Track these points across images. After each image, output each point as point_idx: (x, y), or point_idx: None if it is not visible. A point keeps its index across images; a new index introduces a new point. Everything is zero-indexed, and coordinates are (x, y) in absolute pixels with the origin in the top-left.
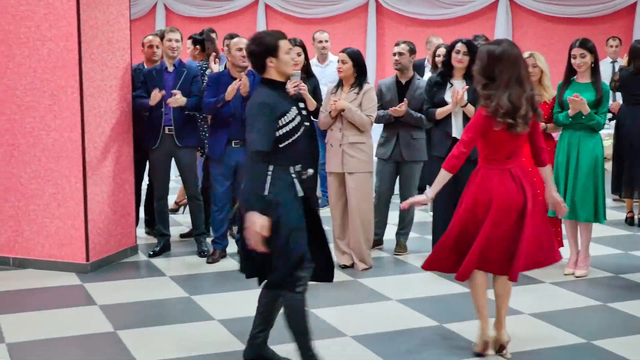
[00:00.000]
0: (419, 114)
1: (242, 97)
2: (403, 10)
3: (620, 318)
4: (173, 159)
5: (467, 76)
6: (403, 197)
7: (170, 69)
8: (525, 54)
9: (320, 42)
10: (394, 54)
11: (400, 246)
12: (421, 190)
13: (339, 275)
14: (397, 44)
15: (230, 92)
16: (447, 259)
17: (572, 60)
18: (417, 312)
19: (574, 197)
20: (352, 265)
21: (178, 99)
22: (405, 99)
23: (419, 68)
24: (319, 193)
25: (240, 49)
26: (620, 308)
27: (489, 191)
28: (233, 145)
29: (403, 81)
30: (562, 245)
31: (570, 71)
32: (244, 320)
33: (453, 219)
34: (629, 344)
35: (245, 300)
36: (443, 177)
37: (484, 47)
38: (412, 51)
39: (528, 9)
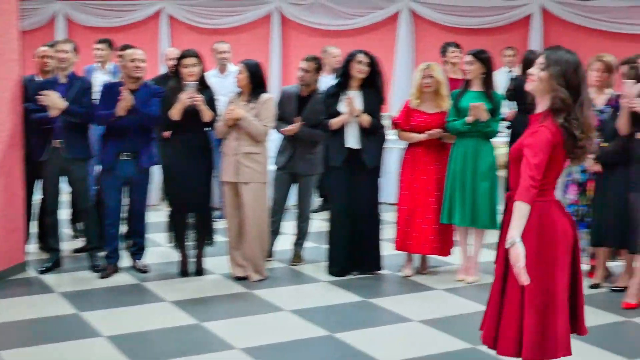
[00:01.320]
0: (316, 130)
1: (132, 110)
2: (306, 21)
3: None
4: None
5: (364, 87)
6: (299, 208)
7: (63, 80)
8: (422, 65)
9: (220, 52)
10: (300, 69)
11: (297, 256)
12: (323, 197)
13: (232, 287)
14: (305, 59)
15: (119, 108)
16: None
17: (464, 67)
18: (309, 323)
19: (473, 204)
20: (247, 277)
21: (53, 99)
22: (300, 116)
23: None
24: (217, 204)
25: (134, 60)
26: None
27: (563, 231)
28: (124, 157)
29: (304, 94)
30: (452, 247)
31: (468, 80)
32: (133, 336)
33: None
34: None
35: (137, 316)
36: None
37: (558, 51)
38: (318, 69)
39: (429, 20)
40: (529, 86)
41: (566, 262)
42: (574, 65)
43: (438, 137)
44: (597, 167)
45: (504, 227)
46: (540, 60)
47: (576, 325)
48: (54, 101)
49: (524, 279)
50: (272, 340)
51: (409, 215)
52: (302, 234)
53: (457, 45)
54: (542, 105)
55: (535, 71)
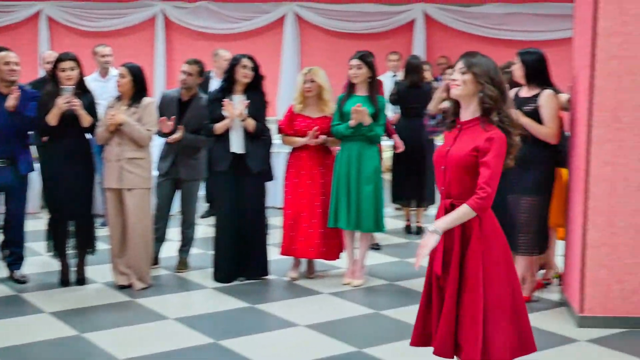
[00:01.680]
0: (198, 135)
1: (8, 113)
2: (191, 24)
3: (391, 325)
4: None
5: (248, 91)
6: (183, 214)
7: None
8: (304, 70)
9: (103, 56)
10: (182, 72)
11: (183, 263)
12: (210, 203)
13: (115, 296)
14: (187, 62)
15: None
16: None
17: (349, 72)
18: (194, 331)
19: (358, 208)
20: (130, 285)
21: None
22: (181, 120)
23: (205, 81)
24: (100, 211)
25: (8, 63)
26: (392, 315)
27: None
28: (0, 164)
29: (185, 99)
30: (342, 251)
31: (351, 84)
32: (11, 350)
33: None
34: (397, 350)
35: (14, 329)
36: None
37: (475, 55)
38: (201, 72)
39: (314, 24)
40: (454, 92)
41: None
42: (493, 65)
43: (321, 142)
44: None
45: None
46: (460, 65)
47: None
48: None
49: (418, 264)
50: (156, 349)
51: (294, 219)
52: (187, 241)
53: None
54: (469, 111)
55: (457, 76)
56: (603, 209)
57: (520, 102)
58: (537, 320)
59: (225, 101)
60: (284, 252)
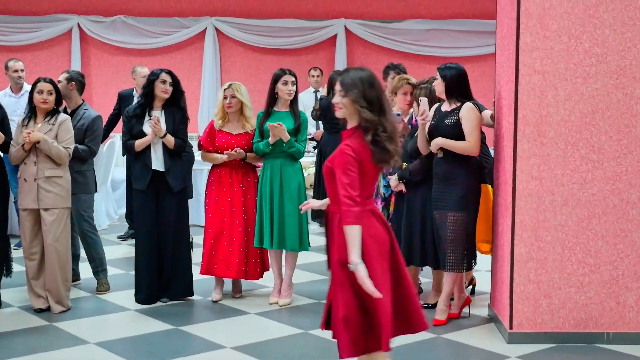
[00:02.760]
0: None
1: None
2: (108, 39)
3: (319, 344)
4: None
5: (167, 107)
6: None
7: None
8: (225, 85)
9: (16, 71)
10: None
11: (102, 284)
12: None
13: (32, 320)
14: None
15: None
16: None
17: (283, 87)
18: (115, 355)
19: (281, 226)
20: (48, 309)
21: None
22: None
23: (127, 98)
24: (17, 231)
25: None
26: (320, 334)
27: (377, 238)
28: None
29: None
30: (266, 270)
31: (271, 101)
32: None
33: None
34: None
35: None
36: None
37: (349, 73)
38: (71, 79)
39: (235, 39)
40: (338, 114)
41: (385, 267)
42: (369, 81)
43: (241, 158)
44: (401, 187)
45: (328, 237)
46: (338, 87)
47: (411, 323)
48: None
49: (377, 295)
50: None
51: (215, 238)
52: (97, 260)
53: (397, 68)
54: (351, 122)
55: (338, 99)
56: (530, 224)
57: (441, 116)
58: (467, 336)
59: (154, 117)
60: (204, 272)
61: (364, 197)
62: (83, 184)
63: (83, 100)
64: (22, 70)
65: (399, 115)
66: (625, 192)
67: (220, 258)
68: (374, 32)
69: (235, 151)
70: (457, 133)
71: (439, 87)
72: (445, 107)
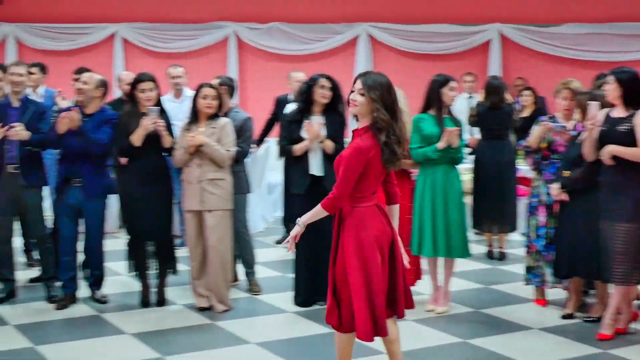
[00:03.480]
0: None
1: (75, 133)
2: (264, 45)
3: (481, 354)
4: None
5: (326, 112)
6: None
7: (16, 104)
8: None
9: (174, 77)
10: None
11: (254, 284)
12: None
13: (196, 319)
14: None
15: (58, 124)
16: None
17: (450, 93)
18: (276, 356)
19: (448, 233)
20: (211, 308)
21: (19, 131)
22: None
23: (283, 102)
24: (178, 232)
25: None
26: (481, 344)
27: (377, 232)
28: (74, 184)
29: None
30: (420, 279)
31: (428, 106)
32: None
33: (355, 273)
34: None
35: (95, 349)
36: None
37: (372, 75)
38: (222, 84)
39: (387, 45)
40: (352, 110)
41: (384, 257)
42: (388, 87)
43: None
44: (564, 196)
45: (335, 234)
46: (358, 86)
47: (396, 309)
48: (19, 134)
49: (290, 249)
50: None
51: None
52: (248, 261)
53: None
54: (362, 121)
55: (357, 97)
56: None
57: (612, 123)
58: (636, 353)
59: (307, 122)
60: None
61: (370, 193)
62: (236, 184)
63: (234, 104)
64: (179, 77)
65: (563, 127)
66: None
67: None
68: (530, 37)
69: None
70: (630, 141)
71: (614, 92)
72: (617, 113)
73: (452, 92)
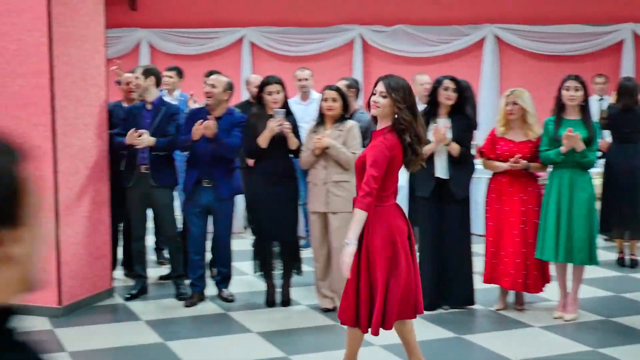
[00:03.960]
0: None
1: (208, 138)
2: (389, 48)
3: None
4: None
5: (452, 114)
6: None
7: (149, 107)
8: (507, 92)
9: (300, 80)
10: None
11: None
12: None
13: (320, 319)
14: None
15: (194, 132)
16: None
17: (565, 93)
18: (400, 358)
19: (571, 238)
20: (335, 309)
21: (143, 140)
22: None
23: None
24: (302, 233)
25: (214, 86)
26: (610, 353)
27: (400, 229)
28: (204, 184)
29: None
30: (549, 282)
31: (560, 108)
32: None
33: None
34: None
35: (222, 346)
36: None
37: (393, 78)
38: (349, 86)
39: (515, 46)
40: (373, 112)
41: (405, 252)
42: (409, 89)
43: (524, 168)
44: None
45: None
46: (380, 88)
47: (415, 307)
48: (143, 141)
49: (346, 273)
50: None
51: (494, 247)
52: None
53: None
54: (382, 123)
55: (378, 99)
56: None
57: None
58: None
59: (435, 127)
60: (487, 280)
61: (390, 192)
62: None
63: (359, 105)
64: (305, 79)
65: None
66: None
67: (500, 268)
68: None
69: (517, 161)
70: None
71: None
72: None
73: (568, 92)
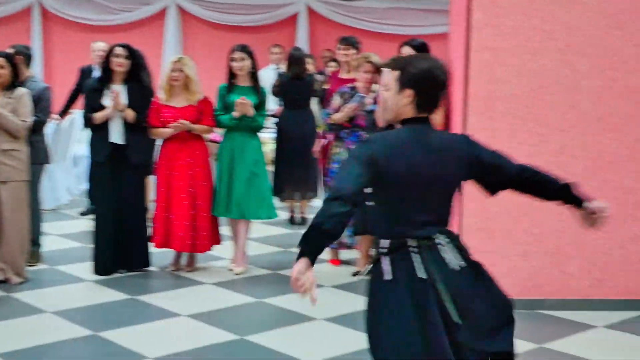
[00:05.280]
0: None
1: None
2: (69, 15)
3: (273, 312)
4: None
5: (129, 81)
6: None
7: None
8: (173, 58)
9: None
10: None
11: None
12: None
13: None
14: None
15: None
16: None
17: (233, 64)
18: (73, 323)
19: (244, 195)
20: (7, 280)
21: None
22: None
23: (87, 73)
24: None
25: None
26: (275, 303)
27: None
28: None
29: None
30: (219, 243)
31: (232, 76)
32: None
33: None
34: (278, 336)
35: None
36: None
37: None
38: (17, 53)
39: (196, 16)
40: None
41: None
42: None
43: (188, 130)
44: None
45: None
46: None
47: None
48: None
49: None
50: (33, 343)
51: (165, 211)
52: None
53: (349, 43)
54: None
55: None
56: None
57: None
58: None
59: (114, 91)
60: (159, 245)
61: None
62: (33, 155)
63: (31, 74)
64: None
65: (363, 97)
66: (570, 164)
67: (171, 230)
68: (336, 10)
69: (180, 123)
70: None
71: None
72: None
73: (235, 63)
